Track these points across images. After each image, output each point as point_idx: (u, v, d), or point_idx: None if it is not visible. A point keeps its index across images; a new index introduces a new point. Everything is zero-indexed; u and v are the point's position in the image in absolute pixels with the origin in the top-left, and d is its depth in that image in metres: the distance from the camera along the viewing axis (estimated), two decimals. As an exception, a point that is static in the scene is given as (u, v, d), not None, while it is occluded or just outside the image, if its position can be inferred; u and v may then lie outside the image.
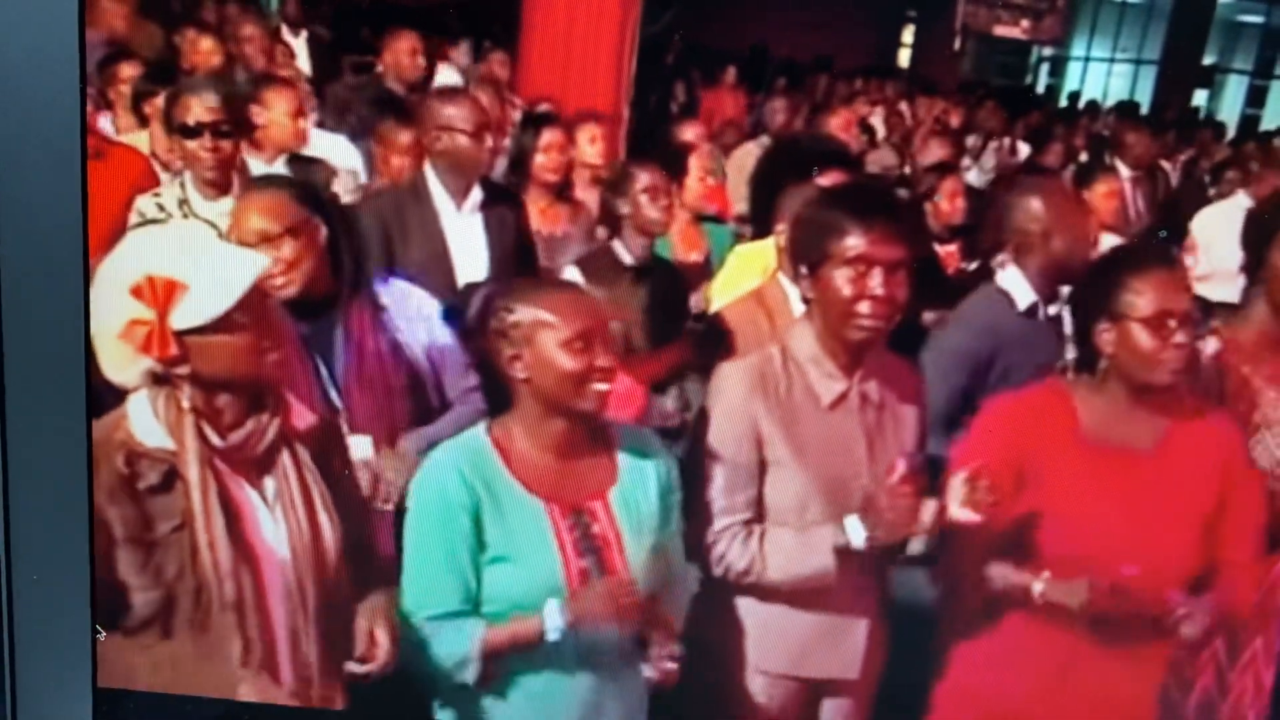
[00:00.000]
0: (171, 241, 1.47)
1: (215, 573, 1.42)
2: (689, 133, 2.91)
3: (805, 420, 1.67)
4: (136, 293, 1.39)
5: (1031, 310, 2.06)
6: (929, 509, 1.61)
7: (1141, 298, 1.63)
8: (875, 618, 1.77)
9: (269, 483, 1.48)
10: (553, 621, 1.53)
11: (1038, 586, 1.67)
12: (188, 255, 1.44)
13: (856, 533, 1.64)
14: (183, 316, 1.40)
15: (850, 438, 1.69)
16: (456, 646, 1.54)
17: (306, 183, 1.91)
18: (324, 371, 1.80)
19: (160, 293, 1.39)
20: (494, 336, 1.57)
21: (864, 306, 1.61)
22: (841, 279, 1.61)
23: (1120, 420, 1.69)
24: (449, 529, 1.53)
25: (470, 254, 2.24)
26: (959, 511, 1.59)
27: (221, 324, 1.42)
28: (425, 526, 1.54)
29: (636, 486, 1.62)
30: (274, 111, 2.35)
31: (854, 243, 1.60)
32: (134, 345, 1.39)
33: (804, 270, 1.66)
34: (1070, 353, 1.80)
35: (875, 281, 1.60)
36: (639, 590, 1.57)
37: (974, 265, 2.65)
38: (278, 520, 1.48)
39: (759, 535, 1.68)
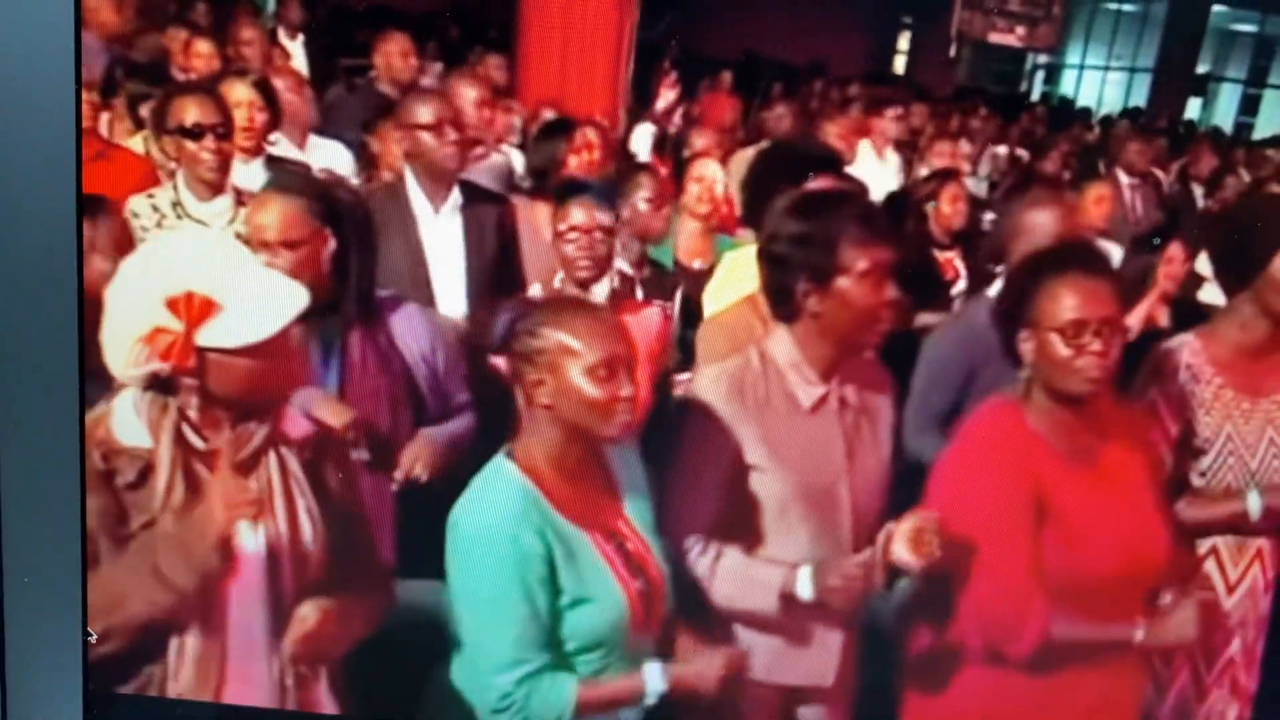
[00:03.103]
0: (214, 254, 1.43)
1: (174, 572, 1.39)
2: (698, 141, 2.92)
3: (785, 424, 1.67)
4: (172, 304, 1.36)
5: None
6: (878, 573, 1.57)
7: (1059, 304, 1.56)
8: (850, 630, 1.74)
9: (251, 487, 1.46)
10: (654, 685, 1.50)
11: (1139, 635, 1.62)
12: (231, 274, 1.40)
13: (805, 586, 1.62)
14: (212, 335, 1.37)
15: (829, 441, 1.69)
16: (553, 703, 1.48)
17: (325, 192, 1.84)
18: (320, 378, 1.80)
19: (195, 310, 1.36)
20: (517, 360, 1.52)
21: (882, 313, 1.63)
22: (859, 290, 1.62)
23: (1062, 430, 1.63)
24: (527, 580, 1.47)
25: (447, 258, 2.20)
26: (901, 551, 1.55)
27: (248, 349, 1.39)
28: (502, 582, 1.46)
29: (638, 498, 1.61)
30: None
31: (871, 253, 1.61)
32: (154, 351, 1.37)
33: (806, 285, 1.63)
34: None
35: (889, 288, 1.62)
36: (750, 661, 1.53)
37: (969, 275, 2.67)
38: (255, 527, 1.46)
39: (714, 555, 1.65)
